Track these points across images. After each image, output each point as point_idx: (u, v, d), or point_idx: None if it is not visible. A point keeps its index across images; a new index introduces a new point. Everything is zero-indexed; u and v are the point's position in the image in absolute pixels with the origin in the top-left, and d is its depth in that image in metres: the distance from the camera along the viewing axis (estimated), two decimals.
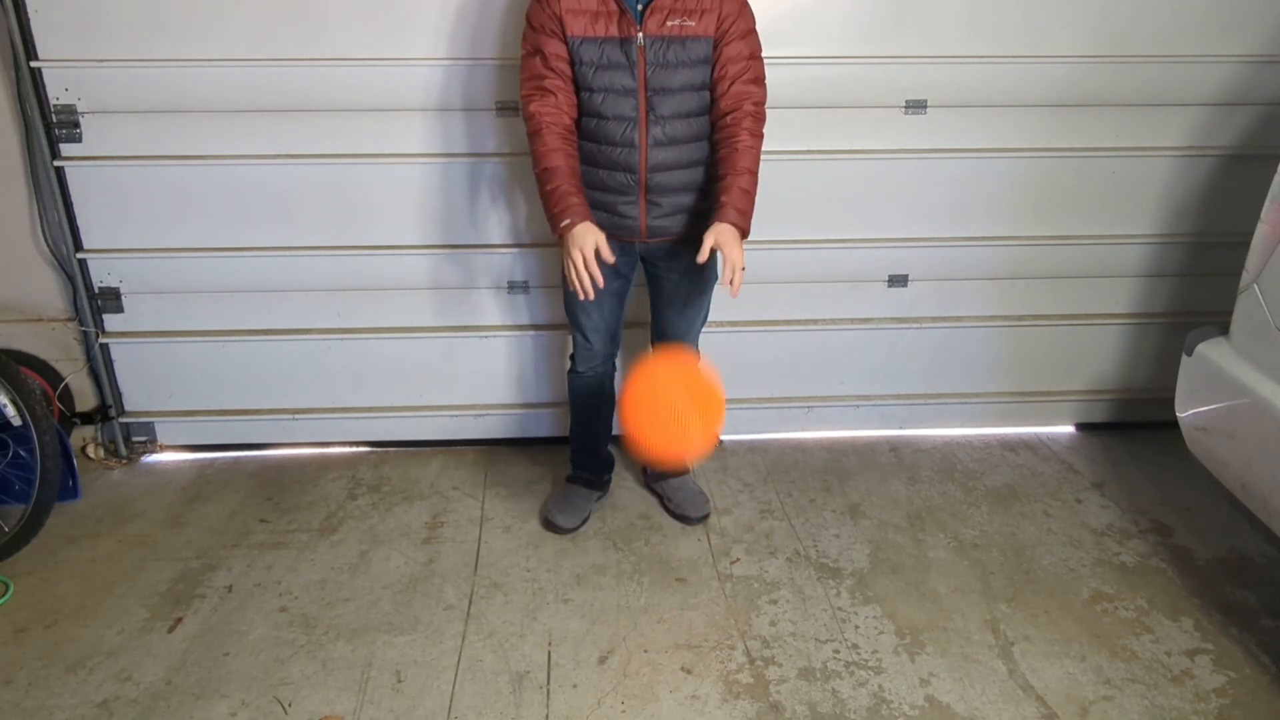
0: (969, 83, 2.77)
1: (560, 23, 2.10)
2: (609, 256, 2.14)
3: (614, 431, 2.71)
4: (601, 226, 2.22)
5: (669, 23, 2.10)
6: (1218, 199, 2.95)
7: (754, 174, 2.20)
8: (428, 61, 2.64)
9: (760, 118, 2.22)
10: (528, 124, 2.20)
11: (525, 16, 2.18)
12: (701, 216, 2.28)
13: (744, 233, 2.17)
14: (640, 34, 2.11)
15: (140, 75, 2.61)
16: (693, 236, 2.25)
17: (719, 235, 2.12)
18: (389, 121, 2.71)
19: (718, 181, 2.21)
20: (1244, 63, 2.78)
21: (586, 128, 2.22)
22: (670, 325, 2.49)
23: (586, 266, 2.11)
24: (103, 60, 2.60)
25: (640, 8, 2.11)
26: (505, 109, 2.70)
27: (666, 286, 2.43)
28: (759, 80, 2.21)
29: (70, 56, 2.59)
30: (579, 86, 2.18)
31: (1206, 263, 3.03)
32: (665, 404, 2.14)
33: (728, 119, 2.19)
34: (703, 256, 2.12)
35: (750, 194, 2.19)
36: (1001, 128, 2.84)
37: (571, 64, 2.15)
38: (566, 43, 2.11)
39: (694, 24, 2.11)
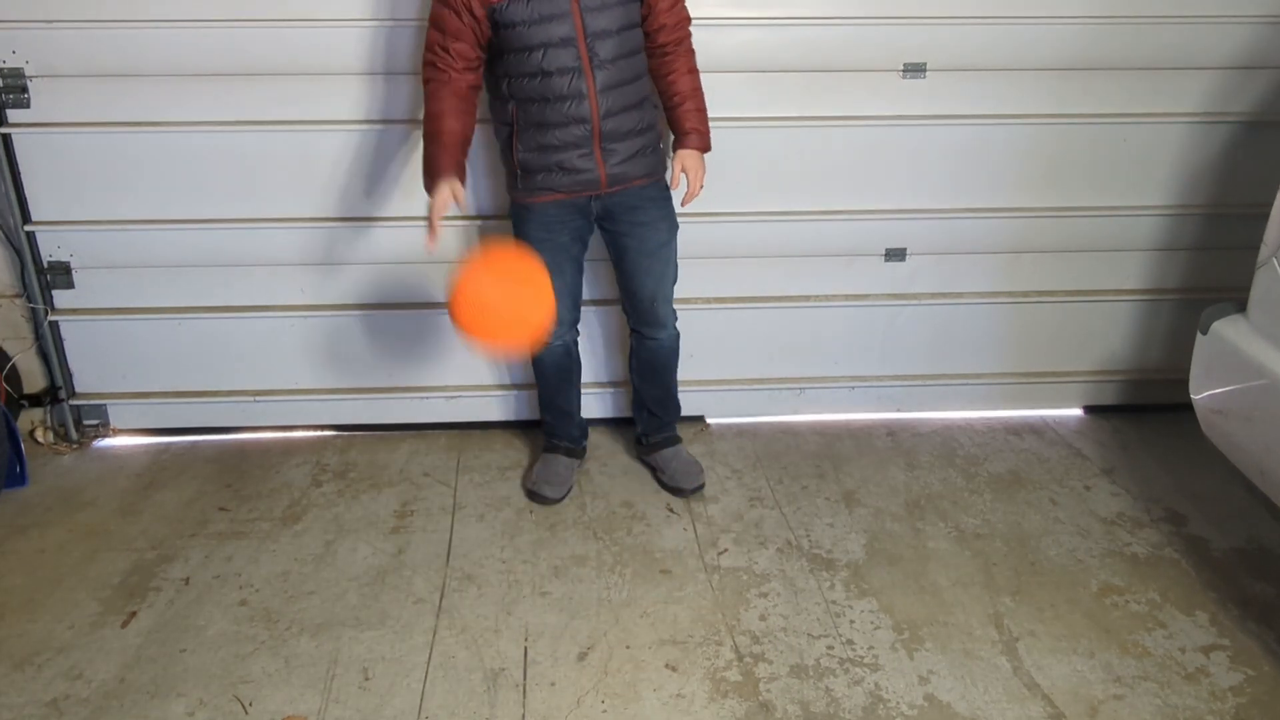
0: (971, 45, 2.72)
1: None
2: (462, 201, 2.28)
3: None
4: (559, 186, 2.33)
5: None
6: (1235, 168, 2.90)
7: (700, 89, 2.41)
8: (398, 22, 2.59)
9: (688, 25, 2.39)
10: (424, 86, 2.30)
11: None
12: (654, 155, 2.42)
13: (706, 149, 2.42)
14: None
15: (92, 37, 2.56)
16: (649, 178, 2.42)
17: (686, 160, 2.37)
18: (355, 86, 2.66)
19: (670, 109, 2.40)
20: (1263, 24, 2.73)
21: (532, 87, 2.25)
22: (640, 284, 2.52)
23: (438, 211, 2.24)
24: (52, 21, 2.54)
25: None
26: None
27: (630, 243, 2.47)
28: (685, 5, 2.37)
29: (17, 17, 2.53)
30: (516, 48, 2.21)
31: (1223, 235, 2.98)
32: (493, 295, 2.17)
33: (668, 45, 2.35)
34: (675, 182, 2.38)
35: (704, 112, 2.41)
36: (1006, 93, 2.79)
37: (498, 28, 2.19)
38: (488, 14, 2.16)
39: None
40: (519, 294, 2.18)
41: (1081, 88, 2.78)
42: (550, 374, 2.64)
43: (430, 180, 2.25)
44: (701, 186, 2.38)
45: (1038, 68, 2.75)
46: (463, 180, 2.26)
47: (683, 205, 2.41)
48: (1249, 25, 2.72)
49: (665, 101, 2.39)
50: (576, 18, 2.18)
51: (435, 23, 2.21)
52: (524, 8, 2.15)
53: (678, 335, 2.66)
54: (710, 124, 2.43)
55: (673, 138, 2.42)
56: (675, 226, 2.50)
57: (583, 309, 2.65)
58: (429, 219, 2.24)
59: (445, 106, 2.23)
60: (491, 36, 2.21)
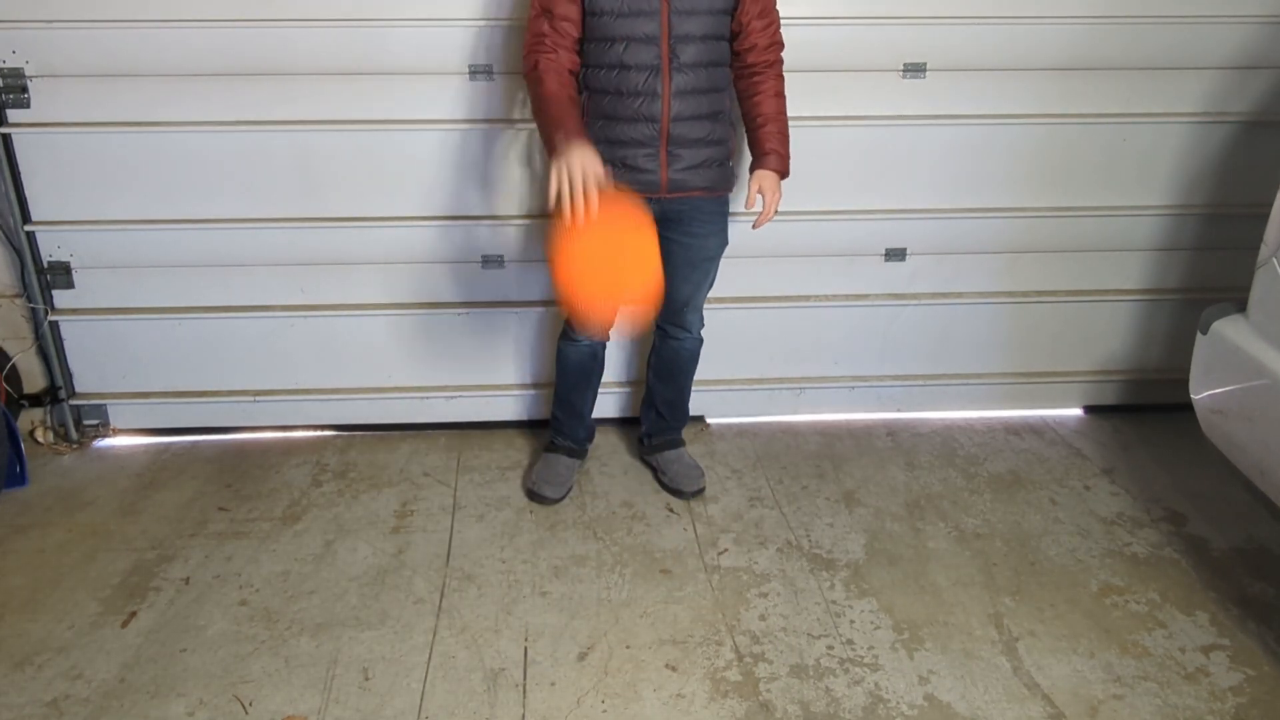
0: (971, 45, 2.71)
1: None
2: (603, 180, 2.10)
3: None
4: (620, 183, 2.28)
5: None
6: (1235, 168, 2.90)
7: (785, 113, 2.39)
8: (397, 23, 2.58)
9: (781, 46, 2.37)
10: (528, 76, 2.26)
11: None
12: (720, 169, 2.39)
13: (785, 175, 2.39)
14: None
15: (92, 37, 2.54)
16: (710, 192, 2.40)
17: (763, 181, 2.34)
18: (355, 86, 2.64)
19: (751, 129, 2.38)
20: (1263, 24, 2.73)
21: (608, 79, 2.25)
22: (678, 289, 2.51)
23: (578, 185, 2.03)
24: (52, 20, 2.52)
25: None
26: (479, 73, 2.63)
27: (677, 250, 2.45)
28: (773, 9, 2.34)
29: (17, 17, 2.51)
30: (599, 37, 2.22)
31: (1223, 235, 2.98)
32: (601, 257, 2.06)
33: (758, 66, 2.34)
34: (751, 203, 2.35)
35: (787, 136, 2.39)
36: (1006, 92, 2.78)
37: (586, 15, 2.21)
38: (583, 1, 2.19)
39: None
40: (624, 264, 2.07)
41: (1081, 88, 2.78)
42: (571, 372, 2.64)
43: (554, 142, 2.11)
44: (776, 210, 2.35)
45: (1038, 68, 2.74)
46: (588, 140, 2.14)
47: (754, 227, 2.38)
48: (1249, 25, 2.71)
49: (748, 122, 2.38)
50: (664, 17, 2.18)
51: (542, 10, 2.21)
52: None
53: (701, 341, 2.65)
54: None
55: (750, 159, 2.39)
56: (725, 243, 2.49)
57: None
58: (567, 188, 2.04)
59: (553, 84, 2.19)
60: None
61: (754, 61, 2.32)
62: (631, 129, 2.26)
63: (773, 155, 2.34)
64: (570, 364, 2.62)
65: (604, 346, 2.65)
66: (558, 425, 2.74)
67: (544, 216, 2.78)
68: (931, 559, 2.43)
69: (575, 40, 2.23)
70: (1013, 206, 2.91)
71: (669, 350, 2.65)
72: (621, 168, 2.29)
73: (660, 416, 2.75)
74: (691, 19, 2.20)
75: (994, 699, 1.98)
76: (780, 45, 2.35)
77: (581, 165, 2.03)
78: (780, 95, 2.37)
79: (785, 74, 2.64)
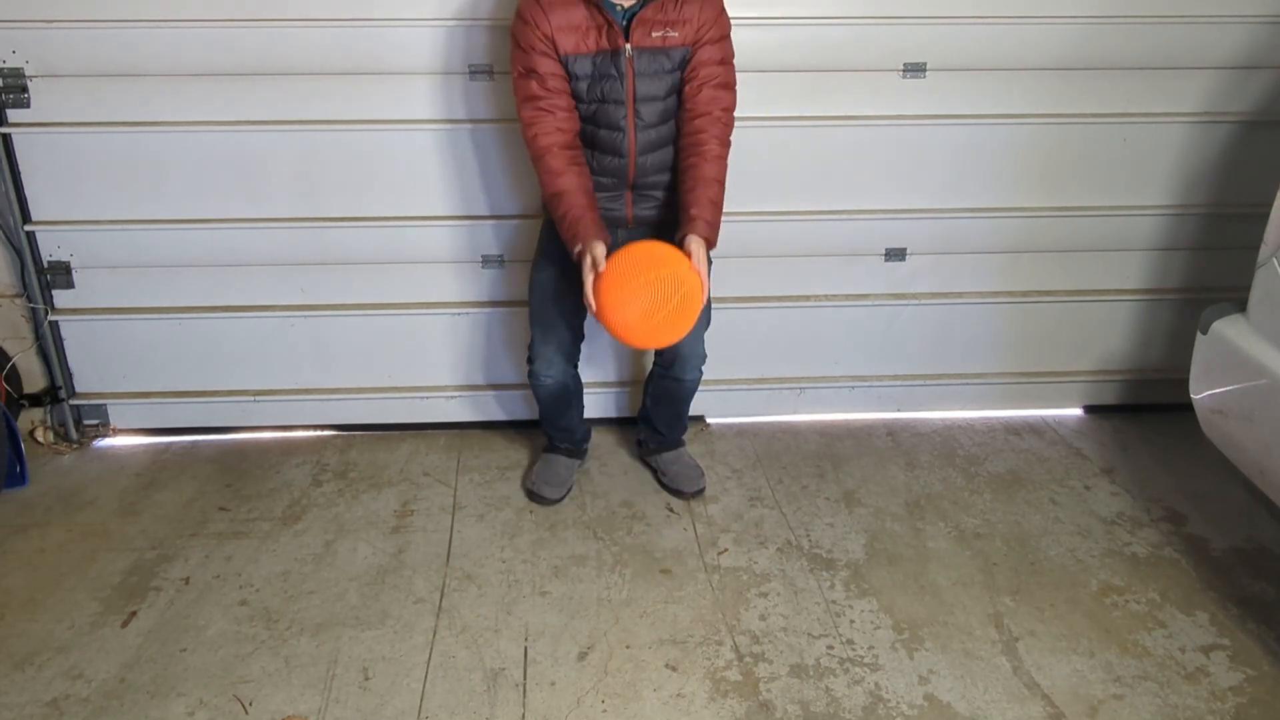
0: (971, 44, 2.71)
1: (551, 42, 2.17)
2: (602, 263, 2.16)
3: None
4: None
5: (654, 34, 2.19)
6: (1235, 168, 2.89)
7: (722, 184, 2.27)
8: (397, 23, 2.58)
9: (729, 124, 2.29)
10: (530, 147, 2.25)
11: (511, 36, 2.23)
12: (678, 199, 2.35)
13: (711, 244, 2.23)
14: (628, 45, 2.19)
15: (92, 36, 2.54)
16: (669, 220, 2.35)
17: (692, 248, 2.18)
18: (356, 86, 2.65)
19: (684, 190, 2.25)
20: (1262, 24, 2.72)
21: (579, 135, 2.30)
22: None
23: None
24: (52, 20, 2.52)
25: (625, 22, 2.19)
26: (479, 73, 2.63)
27: None
28: (730, 86, 2.28)
29: (17, 17, 2.51)
30: (574, 98, 2.26)
31: (1223, 235, 2.97)
32: (642, 288, 2.14)
33: (697, 123, 2.25)
34: None
35: (719, 205, 2.26)
36: (1006, 92, 2.77)
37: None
38: (560, 60, 2.19)
39: (676, 35, 2.20)
40: (666, 286, 2.14)
41: (1081, 88, 2.77)
42: (548, 403, 2.62)
43: (573, 248, 2.18)
44: (706, 281, 2.18)
45: (1037, 67, 2.74)
46: (605, 239, 2.17)
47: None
48: (1249, 25, 2.71)
49: (681, 183, 2.26)
50: (630, 80, 2.21)
51: (527, 70, 2.18)
52: (585, 63, 2.19)
53: (701, 374, 2.57)
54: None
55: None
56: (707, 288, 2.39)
57: None
58: (584, 285, 2.15)
59: (559, 162, 2.20)
60: None
61: (697, 113, 2.22)
62: (598, 179, 2.31)
63: (698, 222, 2.19)
64: (544, 396, 2.60)
65: (575, 377, 2.61)
66: (550, 433, 2.74)
67: (540, 217, 2.79)
68: (931, 559, 2.43)
69: (568, 92, 2.21)
70: (1013, 206, 2.90)
71: (664, 388, 2.61)
72: None
73: (657, 432, 2.73)
74: (653, 80, 2.22)
75: (994, 699, 1.98)
76: (724, 104, 2.24)
77: (589, 265, 2.13)
78: (719, 159, 2.25)
79: (785, 73, 2.65)
